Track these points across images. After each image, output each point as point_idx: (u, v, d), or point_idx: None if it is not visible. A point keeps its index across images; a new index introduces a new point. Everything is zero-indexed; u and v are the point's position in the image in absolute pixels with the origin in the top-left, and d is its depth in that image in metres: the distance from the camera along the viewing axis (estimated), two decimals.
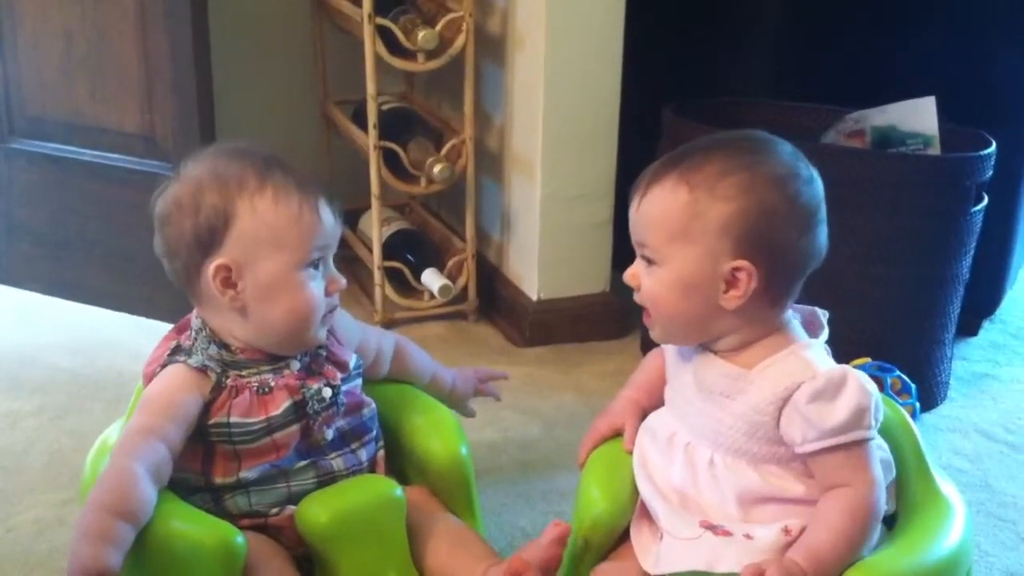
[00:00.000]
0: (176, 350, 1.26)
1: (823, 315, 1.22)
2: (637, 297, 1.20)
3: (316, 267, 1.25)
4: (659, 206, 1.14)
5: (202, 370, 1.23)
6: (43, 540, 1.50)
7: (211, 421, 1.22)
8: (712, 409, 1.17)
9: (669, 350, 1.26)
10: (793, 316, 1.19)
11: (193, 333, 1.27)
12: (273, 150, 1.28)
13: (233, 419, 1.22)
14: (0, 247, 2.32)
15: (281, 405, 1.24)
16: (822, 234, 1.16)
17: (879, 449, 1.15)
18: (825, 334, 1.20)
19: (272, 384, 1.25)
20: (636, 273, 1.19)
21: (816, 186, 1.16)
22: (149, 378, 1.25)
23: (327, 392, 1.27)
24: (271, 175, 1.23)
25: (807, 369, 1.12)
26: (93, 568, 1.06)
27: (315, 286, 1.24)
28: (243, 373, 1.25)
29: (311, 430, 1.26)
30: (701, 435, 1.18)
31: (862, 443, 1.11)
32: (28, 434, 1.77)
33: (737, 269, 1.12)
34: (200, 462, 1.24)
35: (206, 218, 1.21)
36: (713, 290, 1.13)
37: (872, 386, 1.12)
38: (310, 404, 1.26)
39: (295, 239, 1.22)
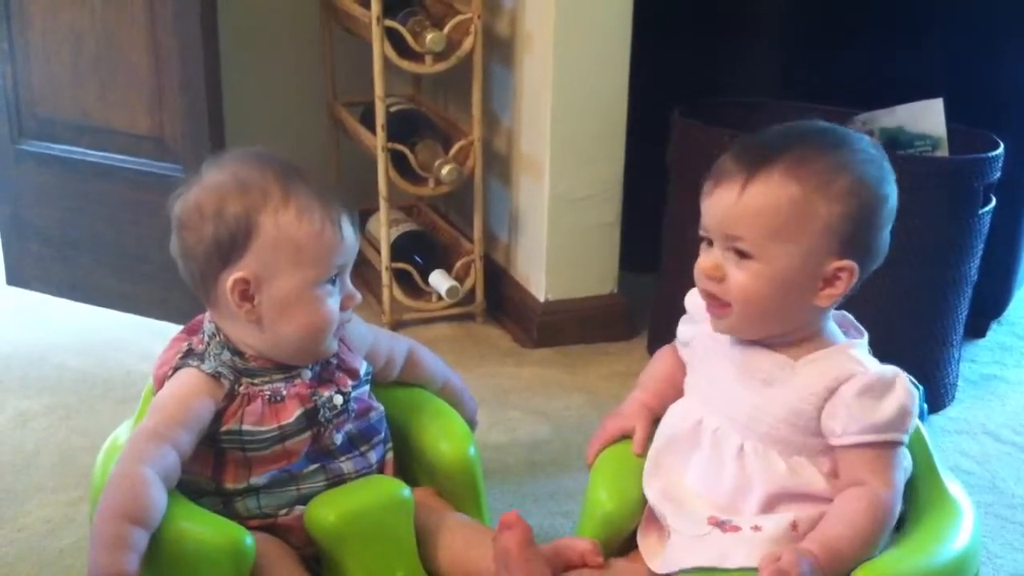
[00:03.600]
0: (188, 353, 1.26)
1: (852, 318, 1.24)
2: (714, 288, 1.17)
3: (333, 283, 1.25)
4: (766, 201, 1.12)
5: (215, 376, 1.23)
6: (53, 539, 1.50)
7: (223, 428, 1.22)
8: (751, 396, 1.17)
9: (700, 340, 1.25)
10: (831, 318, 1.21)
11: (206, 337, 1.27)
12: (293, 159, 1.27)
13: (245, 427, 1.23)
14: (9, 248, 2.33)
15: (293, 413, 1.24)
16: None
17: (903, 457, 1.16)
18: (865, 336, 1.22)
19: (284, 393, 1.25)
20: (720, 264, 1.16)
21: (895, 184, 1.18)
22: (160, 380, 1.25)
23: (338, 399, 1.28)
24: (295, 188, 1.22)
25: (859, 365, 1.14)
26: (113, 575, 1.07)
27: (331, 302, 1.25)
28: (255, 381, 1.25)
29: (322, 436, 1.27)
30: (734, 421, 1.18)
31: (895, 445, 1.13)
32: (38, 434, 1.78)
33: (840, 269, 1.13)
34: (211, 468, 1.24)
35: (227, 228, 1.21)
36: (810, 288, 1.14)
37: (915, 391, 1.14)
38: (322, 412, 1.26)
39: (316, 256, 1.22)
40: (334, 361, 1.30)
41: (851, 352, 1.16)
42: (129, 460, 1.16)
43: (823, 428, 1.14)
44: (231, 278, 1.21)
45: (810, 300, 1.15)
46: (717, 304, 1.18)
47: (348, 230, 1.25)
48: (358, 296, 1.29)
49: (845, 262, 1.13)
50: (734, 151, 1.17)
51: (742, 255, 1.14)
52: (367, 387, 1.34)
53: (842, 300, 1.18)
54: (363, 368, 1.33)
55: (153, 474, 1.14)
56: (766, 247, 1.13)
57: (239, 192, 1.21)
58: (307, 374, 1.28)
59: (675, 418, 1.25)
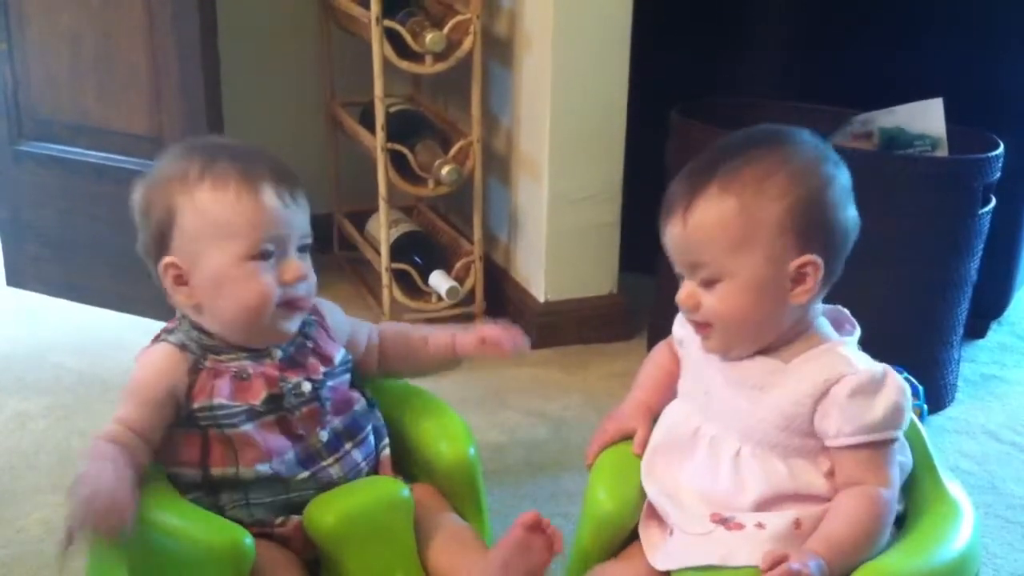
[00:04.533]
0: (161, 333, 1.27)
1: (846, 311, 1.23)
2: (694, 317, 1.18)
3: (267, 257, 1.22)
4: (710, 220, 1.13)
5: (181, 348, 1.23)
6: (52, 540, 1.50)
7: (196, 405, 1.22)
8: (743, 403, 1.17)
9: (691, 346, 1.25)
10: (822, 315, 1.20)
11: (177, 320, 1.28)
12: (234, 140, 1.29)
13: (216, 401, 1.22)
14: (8, 248, 2.33)
15: (259, 396, 1.23)
16: (854, 209, 1.18)
17: (900, 453, 1.16)
18: (858, 331, 1.21)
19: (251, 371, 1.24)
20: (693, 293, 1.17)
21: (843, 165, 1.18)
22: None
23: (306, 387, 1.26)
24: (213, 166, 1.21)
25: (848, 365, 1.14)
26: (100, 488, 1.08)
27: (265, 277, 1.22)
28: (221, 358, 1.24)
29: (292, 426, 1.25)
30: (730, 429, 1.18)
31: (890, 443, 1.13)
32: (36, 435, 1.78)
33: (803, 265, 1.13)
34: (198, 451, 1.23)
35: (156, 219, 1.23)
36: (782, 290, 1.14)
37: (907, 387, 1.14)
38: (287, 398, 1.25)
39: (236, 228, 1.20)
40: (310, 344, 1.29)
41: (840, 351, 1.16)
42: (96, 444, 1.18)
43: (817, 430, 1.14)
44: (162, 264, 1.23)
45: (786, 302, 1.14)
46: (699, 326, 1.19)
47: (271, 200, 1.21)
48: (299, 268, 1.24)
49: (807, 257, 1.13)
50: (675, 181, 1.18)
51: (709, 281, 1.15)
52: (346, 376, 1.32)
53: (824, 291, 1.17)
54: (339, 355, 1.32)
55: (118, 450, 1.16)
56: (726, 265, 1.13)
57: (161, 183, 1.23)
58: (278, 354, 1.27)
59: (671, 423, 1.25)
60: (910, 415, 1.15)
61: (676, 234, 1.16)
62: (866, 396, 1.12)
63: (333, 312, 1.36)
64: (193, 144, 1.27)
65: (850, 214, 1.17)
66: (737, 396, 1.18)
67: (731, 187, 1.13)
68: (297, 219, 1.25)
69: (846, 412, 1.11)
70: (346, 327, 1.37)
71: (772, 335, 1.17)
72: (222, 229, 1.20)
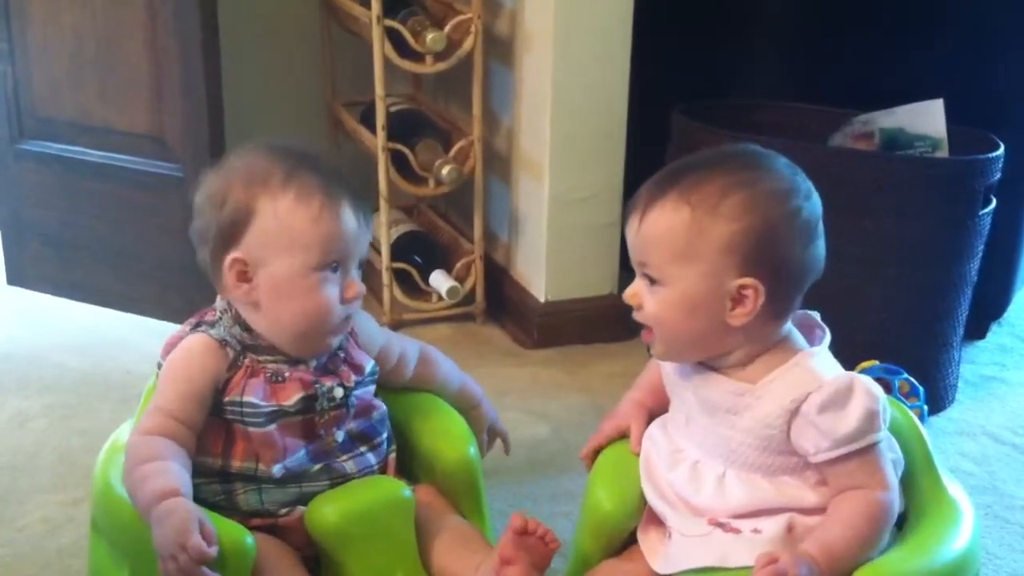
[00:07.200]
0: (199, 324, 1.28)
1: (816, 315, 1.22)
2: (638, 315, 1.18)
3: (334, 270, 1.25)
4: (661, 226, 1.14)
5: (222, 344, 1.25)
6: (53, 539, 1.50)
7: (227, 399, 1.24)
8: (720, 427, 1.17)
9: (667, 368, 1.25)
10: (791, 324, 1.19)
11: (218, 313, 1.29)
12: (317, 149, 1.30)
13: (246, 399, 1.24)
14: (9, 247, 2.33)
15: (292, 396, 1.25)
16: (821, 246, 1.17)
17: (889, 451, 1.15)
18: (827, 337, 1.20)
19: (286, 375, 1.26)
20: (637, 292, 1.18)
21: (815, 200, 1.16)
22: (168, 353, 1.28)
23: (339, 392, 1.28)
24: (297, 175, 1.23)
25: (813, 379, 1.12)
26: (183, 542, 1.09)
27: (329, 290, 1.24)
28: (260, 358, 1.26)
29: (315, 427, 1.27)
30: (712, 453, 1.18)
31: (875, 446, 1.12)
32: (37, 434, 1.78)
33: (743, 287, 1.12)
34: (221, 444, 1.25)
35: (229, 213, 1.23)
36: (719, 308, 1.13)
37: (878, 388, 1.13)
38: (320, 401, 1.27)
39: (311, 242, 1.22)
40: (341, 354, 1.31)
41: (806, 364, 1.14)
42: (141, 442, 1.20)
43: (796, 448, 1.13)
44: (229, 258, 1.24)
45: (722, 321, 1.14)
46: (645, 330, 1.19)
47: (350, 220, 1.24)
48: (361, 288, 1.28)
49: (748, 280, 1.12)
50: (648, 180, 1.18)
51: (652, 281, 1.16)
52: (372, 387, 1.34)
53: (779, 320, 1.16)
54: (369, 366, 1.33)
55: (165, 445, 1.19)
56: (667, 271, 1.14)
57: (243, 179, 1.24)
58: (312, 362, 1.29)
59: (658, 438, 1.25)
60: (888, 415, 1.13)
61: (632, 231, 1.17)
62: (836, 408, 1.10)
63: (366, 323, 1.37)
64: (274, 146, 1.28)
65: (812, 250, 1.15)
66: (714, 421, 1.18)
67: (689, 197, 1.12)
68: (365, 240, 1.28)
69: (820, 428, 1.11)
70: (379, 338, 1.39)
71: (711, 350, 1.17)
72: (298, 239, 1.23)
